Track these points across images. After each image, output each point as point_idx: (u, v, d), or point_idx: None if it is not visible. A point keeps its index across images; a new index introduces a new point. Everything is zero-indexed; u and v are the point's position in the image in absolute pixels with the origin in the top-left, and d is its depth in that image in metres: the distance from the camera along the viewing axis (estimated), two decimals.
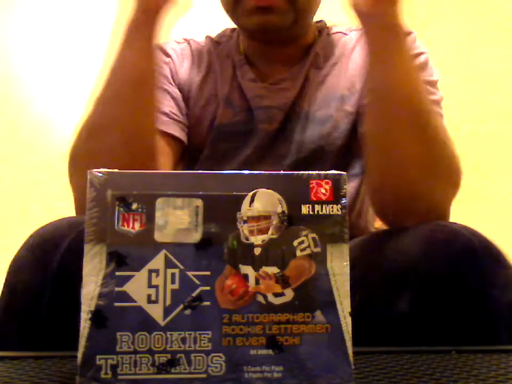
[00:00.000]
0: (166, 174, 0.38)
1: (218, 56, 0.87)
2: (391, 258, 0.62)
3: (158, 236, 0.35)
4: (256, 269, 0.35)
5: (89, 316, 0.35)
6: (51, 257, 0.59)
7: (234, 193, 0.35)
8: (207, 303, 0.35)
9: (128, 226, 0.35)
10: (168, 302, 0.34)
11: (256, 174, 0.36)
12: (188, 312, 0.34)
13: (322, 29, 0.89)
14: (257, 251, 0.35)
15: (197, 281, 0.34)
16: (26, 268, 0.60)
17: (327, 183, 0.35)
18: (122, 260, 0.34)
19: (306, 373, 0.35)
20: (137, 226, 0.35)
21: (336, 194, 0.35)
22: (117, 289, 0.34)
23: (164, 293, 0.34)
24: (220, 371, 0.34)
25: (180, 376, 0.34)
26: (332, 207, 0.35)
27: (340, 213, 0.35)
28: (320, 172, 0.36)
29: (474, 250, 0.59)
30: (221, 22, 0.89)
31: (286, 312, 0.35)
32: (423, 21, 2.06)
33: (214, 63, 0.86)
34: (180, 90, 0.84)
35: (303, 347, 0.35)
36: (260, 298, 0.35)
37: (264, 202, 0.35)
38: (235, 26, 0.91)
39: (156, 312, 0.34)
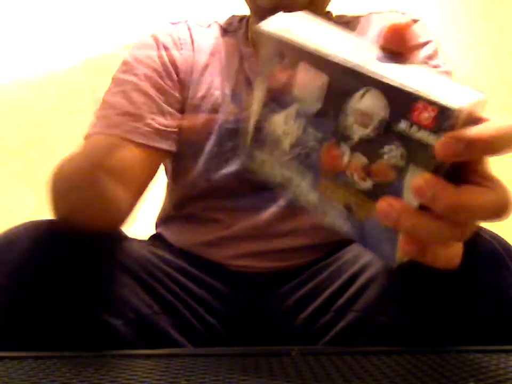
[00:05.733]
0: (307, 49, 0.42)
1: (225, 46, 0.87)
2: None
3: (295, 93, 0.44)
4: (351, 151, 0.41)
5: (253, 127, 0.48)
6: (11, 256, 0.62)
7: (352, 85, 0.40)
8: (315, 156, 0.43)
9: (279, 77, 0.44)
10: (293, 141, 0.45)
11: (372, 76, 0.38)
12: (303, 155, 0.44)
13: (329, 20, 0.91)
14: (355, 138, 0.40)
15: (311, 138, 0.43)
16: None
17: (432, 109, 0.36)
18: (274, 98, 0.45)
19: (364, 238, 0.43)
20: (284, 79, 0.44)
21: (438, 125, 0.35)
22: (268, 116, 0.46)
23: (292, 134, 0.45)
24: (313, 203, 0.45)
25: (292, 190, 0.46)
26: (428, 135, 0.36)
27: (433, 143, 0.36)
28: (430, 96, 0.36)
29: (495, 252, 0.61)
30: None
31: (362, 194, 0.41)
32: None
33: (219, 52, 0.86)
34: (178, 78, 0.83)
35: (367, 224, 0.42)
36: (348, 174, 0.41)
37: (371, 102, 0.39)
38: (241, 12, 0.92)
39: (286, 143, 0.45)
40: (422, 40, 0.84)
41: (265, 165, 0.48)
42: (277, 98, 0.45)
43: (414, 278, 0.62)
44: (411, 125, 0.37)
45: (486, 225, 0.64)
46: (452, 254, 0.42)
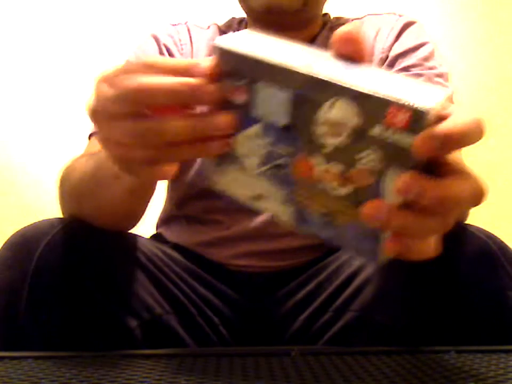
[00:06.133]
0: (269, 64, 0.41)
1: None
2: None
3: (256, 112, 0.43)
4: (324, 162, 0.41)
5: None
6: (31, 255, 0.61)
7: (319, 97, 0.39)
8: (285, 172, 0.43)
9: (236, 97, 0.43)
10: (259, 161, 0.44)
11: (341, 84, 0.38)
12: (272, 172, 0.44)
13: (326, 22, 0.91)
14: (327, 149, 0.40)
15: (279, 154, 0.43)
16: (7, 266, 0.63)
17: (405, 113, 0.36)
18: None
19: (346, 243, 0.43)
20: (242, 99, 0.43)
21: (413, 126, 0.36)
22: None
23: (257, 153, 0.44)
24: (289, 216, 0.45)
25: (264, 208, 0.46)
26: (404, 137, 0.36)
27: (410, 143, 0.36)
28: (402, 100, 0.36)
29: (490, 252, 0.62)
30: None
31: (340, 201, 0.41)
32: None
33: None
34: None
35: (348, 229, 0.42)
36: (323, 184, 0.41)
37: (341, 111, 0.39)
38: (241, 14, 0.93)
39: (251, 163, 0.45)
40: (418, 41, 0.85)
41: (230, 186, 0.47)
42: (238, 119, 0.44)
43: (410, 278, 0.62)
44: (386, 129, 0.37)
45: (482, 225, 0.65)
46: (432, 245, 0.43)
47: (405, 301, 0.63)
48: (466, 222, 0.65)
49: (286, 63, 0.40)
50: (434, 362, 0.52)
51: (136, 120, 0.43)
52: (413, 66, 0.82)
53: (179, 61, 0.45)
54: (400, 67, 0.82)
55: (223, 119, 0.43)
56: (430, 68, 0.82)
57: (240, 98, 0.43)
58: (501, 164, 2.01)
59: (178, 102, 0.43)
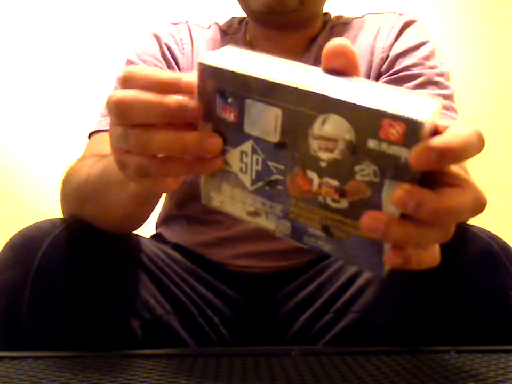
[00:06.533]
0: (258, 80, 0.40)
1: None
2: None
3: (247, 129, 0.42)
4: (320, 177, 0.41)
5: None
6: (33, 255, 0.61)
7: (310, 112, 0.39)
8: (280, 187, 0.43)
9: (225, 115, 0.43)
10: (253, 177, 0.44)
11: (333, 98, 0.38)
12: (267, 188, 0.44)
13: (327, 21, 0.91)
14: (322, 164, 0.40)
15: (273, 170, 0.43)
16: (9, 266, 0.63)
17: (400, 125, 0.35)
18: (223, 137, 0.44)
19: (348, 255, 0.42)
20: (232, 116, 0.42)
21: (408, 138, 0.35)
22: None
23: (251, 169, 0.44)
24: (287, 231, 0.44)
25: (261, 223, 0.45)
26: (399, 149, 0.36)
27: (406, 156, 0.36)
28: (396, 112, 0.36)
29: (493, 253, 0.62)
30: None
31: (339, 214, 0.41)
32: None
33: None
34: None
35: (349, 241, 0.41)
36: (320, 198, 0.41)
37: (334, 126, 0.38)
38: (241, 14, 0.93)
39: (245, 179, 0.45)
40: (418, 40, 0.85)
41: (226, 202, 0.47)
42: (227, 137, 0.43)
43: (412, 279, 0.62)
44: (380, 142, 0.37)
45: (484, 225, 0.65)
46: (435, 254, 0.42)
47: (406, 302, 0.63)
48: (468, 222, 0.65)
49: (275, 79, 0.40)
50: (434, 362, 0.52)
51: (128, 126, 0.43)
52: (414, 65, 0.82)
53: (167, 75, 0.44)
54: (400, 66, 0.82)
55: (212, 141, 0.42)
56: (431, 67, 0.82)
57: (230, 115, 0.42)
58: (501, 164, 2.02)
59: (160, 116, 0.42)
